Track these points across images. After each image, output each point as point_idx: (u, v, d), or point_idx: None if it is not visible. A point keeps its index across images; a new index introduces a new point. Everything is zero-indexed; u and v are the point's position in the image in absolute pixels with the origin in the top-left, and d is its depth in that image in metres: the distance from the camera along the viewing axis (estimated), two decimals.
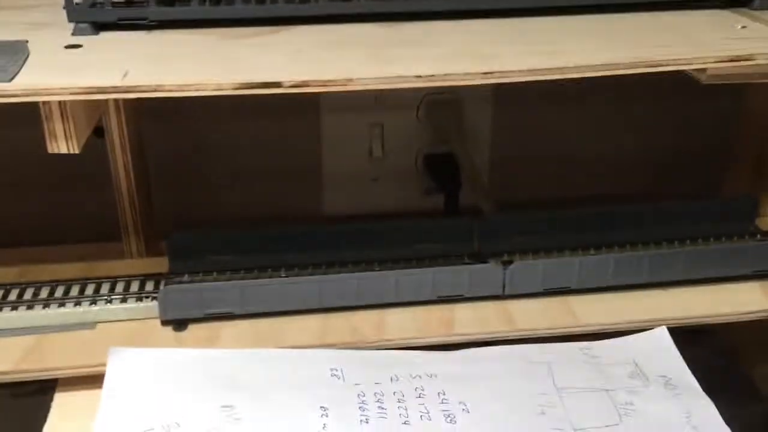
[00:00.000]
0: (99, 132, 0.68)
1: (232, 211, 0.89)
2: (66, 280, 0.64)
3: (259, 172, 0.88)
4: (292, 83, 0.49)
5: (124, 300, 0.62)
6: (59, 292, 0.63)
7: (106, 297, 0.62)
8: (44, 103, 0.48)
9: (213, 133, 0.86)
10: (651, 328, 0.64)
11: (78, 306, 0.61)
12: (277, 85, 0.49)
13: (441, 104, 0.85)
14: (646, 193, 0.95)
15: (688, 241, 0.72)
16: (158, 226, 0.78)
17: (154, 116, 0.76)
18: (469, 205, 0.86)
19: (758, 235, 0.73)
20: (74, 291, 0.63)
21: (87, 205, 0.82)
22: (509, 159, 0.92)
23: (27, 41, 0.54)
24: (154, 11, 0.58)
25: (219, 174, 0.88)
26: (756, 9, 0.64)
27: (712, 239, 0.72)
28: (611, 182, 0.94)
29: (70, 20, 0.57)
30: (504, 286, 0.66)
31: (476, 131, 0.89)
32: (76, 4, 0.57)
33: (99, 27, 0.57)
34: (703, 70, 0.54)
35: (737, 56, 0.53)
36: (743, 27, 0.60)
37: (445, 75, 0.50)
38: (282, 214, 0.90)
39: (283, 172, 0.89)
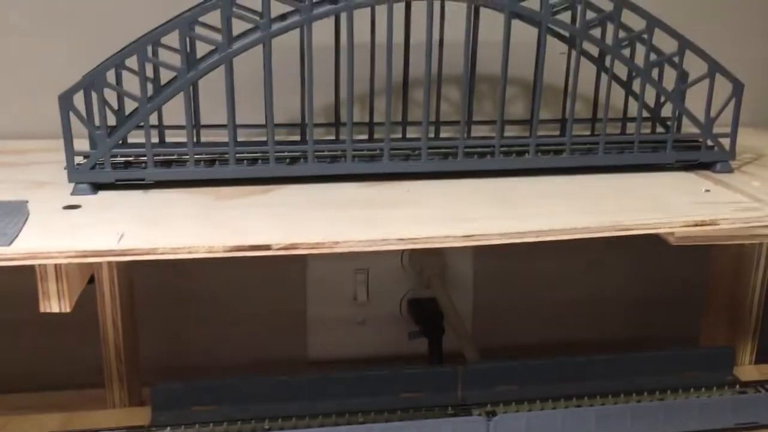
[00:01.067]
0: (89, 279, 0.69)
1: (218, 355, 0.90)
2: None
3: (245, 316, 0.90)
4: (280, 246, 0.51)
5: None
6: None
7: None
8: (40, 265, 0.50)
9: (200, 278, 0.87)
10: None
11: None
12: (267, 248, 0.51)
13: (425, 252, 0.87)
14: (625, 339, 0.97)
15: (669, 392, 0.73)
16: (143, 368, 0.78)
17: (144, 263, 0.78)
18: (454, 349, 0.87)
19: (737, 386, 0.74)
20: None
21: (70, 350, 0.83)
22: (492, 305, 0.93)
23: (27, 201, 0.57)
24: (152, 172, 0.61)
25: (205, 318, 0.89)
26: (718, 172, 0.68)
27: (692, 390, 0.73)
28: (593, 327, 0.96)
29: (70, 181, 0.59)
30: None
31: (459, 278, 0.91)
32: (77, 165, 0.60)
33: (98, 187, 0.60)
34: (672, 233, 0.57)
35: (702, 221, 0.56)
36: (707, 191, 0.63)
37: (427, 238, 0.53)
38: (267, 358, 0.91)
39: (268, 317, 0.90)
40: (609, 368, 0.75)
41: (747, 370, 0.81)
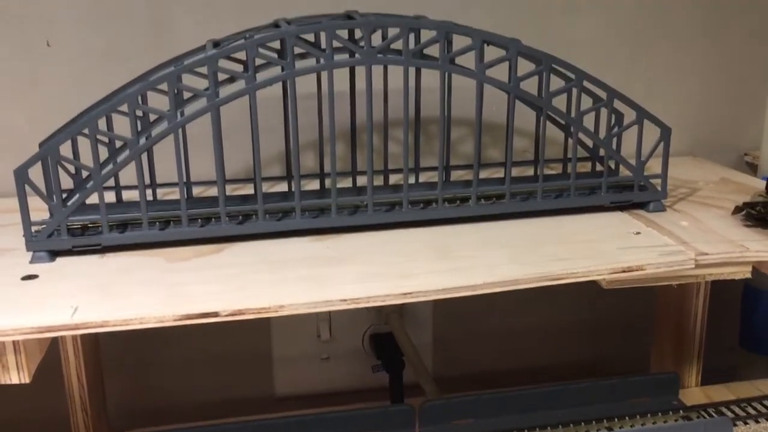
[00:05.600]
0: None
1: (190, 395, 0.92)
2: None
3: (213, 358, 0.92)
4: (228, 313, 0.54)
5: None
6: None
7: None
8: None
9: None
10: None
11: None
12: (215, 315, 0.54)
13: None
14: (581, 364, 1.00)
15: (616, 419, 0.76)
16: (113, 412, 0.80)
17: None
18: (415, 381, 0.90)
19: (681, 411, 0.78)
20: None
21: (37, 401, 0.85)
22: (451, 336, 0.97)
23: None
24: (107, 237, 0.63)
25: (174, 360, 0.91)
26: (651, 212, 0.72)
27: (638, 416, 0.76)
28: (551, 354, 0.99)
29: (28, 250, 0.62)
30: None
31: (419, 311, 0.94)
32: (35, 234, 0.62)
33: (55, 254, 0.63)
34: (602, 279, 0.60)
35: (629, 267, 0.60)
36: (637, 233, 0.67)
37: (368, 297, 0.56)
38: (236, 397, 0.94)
39: (235, 357, 0.93)
40: (561, 398, 0.78)
41: (693, 393, 0.85)
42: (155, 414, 0.91)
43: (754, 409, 0.78)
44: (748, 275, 0.64)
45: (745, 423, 0.76)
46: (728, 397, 0.82)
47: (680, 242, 0.64)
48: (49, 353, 0.60)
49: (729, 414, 0.78)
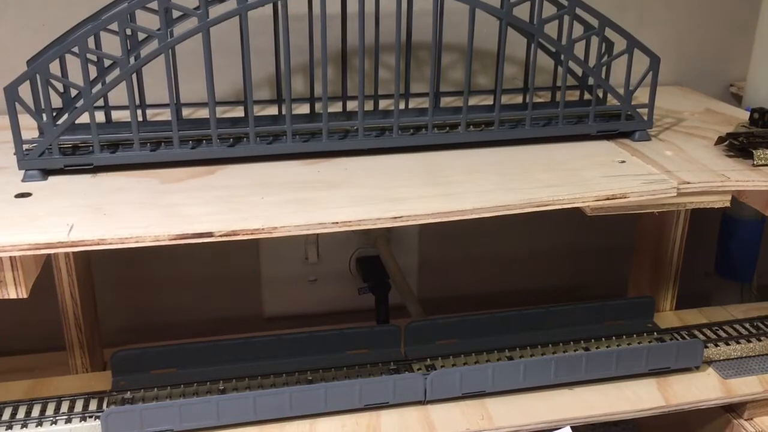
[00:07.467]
0: None
1: (181, 315, 0.94)
2: (14, 402, 0.68)
3: (204, 278, 0.94)
4: (222, 233, 0.55)
5: (68, 420, 0.66)
6: (6, 414, 0.66)
7: (51, 418, 0.66)
8: None
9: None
10: (557, 428, 0.70)
11: (25, 428, 0.65)
12: (209, 234, 0.55)
13: None
14: (563, 288, 1.03)
15: (592, 341, 0.79)
16: (106, 330, 0.82)
17: None
18: (400, 304, 0.92)
19: (655, 333, 0.81)
20: (21, 413, 0.67)
21: (33, 316, 0.86)
22: (436, 259, 0.99)
23: None
24: (99, 157, 0.63)
25: (166, 280, 0.93)
26: (636, 141, 0.73)
27: (614, 338, 0.80)
28: (531, 280, 1.02)
29: (20, 168, 0.62)
30: (425, 393, 0.71)
31: (406, 236, 0.96)
32: (26, 153, 0.62)
33: (47, 172, 0.63)
34: (587, 206, 0.62)
35: (613, 195, 0.62)
36: (622, 162, 0.68)
37: (360, 220, 0.57)
38: (226, 317, 0.96)
39: (225, 278, 0.94)
40: (542, 320, 0.81)
41: (668, 316, 0.88)
42: (146, 332, 0.93)
43: (725, 332, 0.82)
44: (728, 204, 0.66)
45: (716, 345, 0.79)
46: (701, 321, 0.85)
47: (663, 171, 0.66)
48: (43, 272, 0.61)
49: (701, 336, 0.81)
